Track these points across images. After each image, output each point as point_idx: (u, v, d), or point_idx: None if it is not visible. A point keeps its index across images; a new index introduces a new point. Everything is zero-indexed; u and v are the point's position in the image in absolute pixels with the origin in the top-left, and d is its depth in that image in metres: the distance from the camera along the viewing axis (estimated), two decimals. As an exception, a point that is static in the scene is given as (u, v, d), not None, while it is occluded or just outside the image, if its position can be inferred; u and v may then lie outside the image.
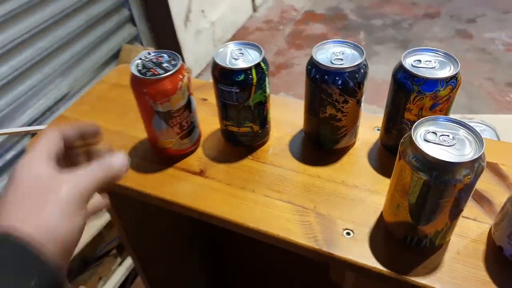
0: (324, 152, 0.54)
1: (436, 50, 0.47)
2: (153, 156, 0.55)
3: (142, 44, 1.94)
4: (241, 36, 2.88)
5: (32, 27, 1.39)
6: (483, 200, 0.47)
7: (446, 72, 0.44)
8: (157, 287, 0.83)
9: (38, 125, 1.48)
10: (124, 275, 1.38)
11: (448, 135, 0.37)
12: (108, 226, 1.33)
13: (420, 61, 0.46)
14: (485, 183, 0.49)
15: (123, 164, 0.38)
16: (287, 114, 0.60)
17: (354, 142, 0.55)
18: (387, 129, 0.51)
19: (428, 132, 0.38)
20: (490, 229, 0.43)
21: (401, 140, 0.38)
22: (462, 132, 0.37)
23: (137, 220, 0.70)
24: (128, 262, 1.39)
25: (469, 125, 0.37)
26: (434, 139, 0.37)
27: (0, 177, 1.42)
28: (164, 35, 2.08)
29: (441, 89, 0.44)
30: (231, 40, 2.80)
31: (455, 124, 0.38)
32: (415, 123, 0.38)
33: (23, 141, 1.46)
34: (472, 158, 0.34)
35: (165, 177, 0.53)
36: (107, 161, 0.36)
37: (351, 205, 0.48)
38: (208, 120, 0.60)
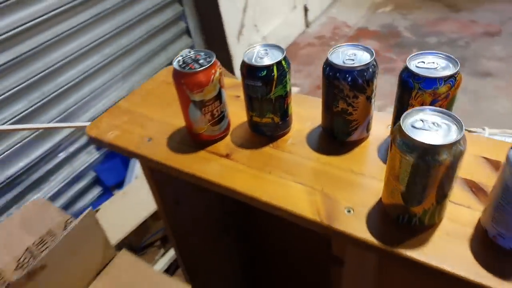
0: (338, 144, 0.60)
1: (439, 53, 0.52)
2: (188, 141, 0.65)
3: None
4: (292, 50, 2.97)
5: (100, 36, 1.57)
6: (480, 191, 0.50)
7: (445, 72, 0.49)
8: (194, 275, 0.91)
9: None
10: (166, 265, 1.48)
11: (434, 123, 0.42)
12: (154, 217, 1.45)
13: (424, 62, 0.51)
14: (484, 177, 0.52)
15: None
16: (309, 111, 0.67)
17: (367, 137, 0.61)
18: (394, 124, 0.56)
19: (417, 120, 0.43)
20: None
21: (393, 128, 0.44)
22: (447, 121, 0.42)
23: (175, 201, 0.80)
24: (171, 253, 1.50)
25: (453, 115, 0.42)
26: (421, 126, 0.42)
27: (62, 167, 1.61)
28: (217, 47, 2.23)
29: (440, 86, 0.48)
30: (282, 54, 2.90)
31: (442, 114, 0.43)
32: (405, 112, 0.43)
33: (84, 136, 1.64)
34: (451, 142, 0.39)
35: (198, 158, 0.62)
36: None
37: (355, 188, 0.53)
38: (239, 113, 0.68)
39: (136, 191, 1.46)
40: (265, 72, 0.55)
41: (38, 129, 1.45)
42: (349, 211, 0.50)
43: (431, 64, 0.51)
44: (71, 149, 1.61)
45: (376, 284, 0.61)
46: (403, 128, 0.41)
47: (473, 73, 2.47)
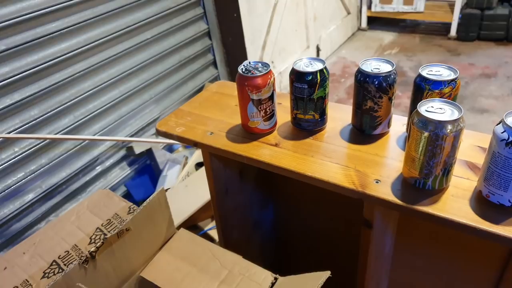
0: (365, 136, 0.76)
1: (443, 65, 0.69)
2: (243, 133, 0.81)
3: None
4: (303, 86, 3.19)
5: (139, 62, 1.78)
6: (475, 168, 0.66)
7: (448, 77, 0.66)
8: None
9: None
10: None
11: (441, 108, 0.58)
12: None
13: (432, 70, 0.68)
14: (479, 159, 0.67)
15: None
16: (341, 114, 0.83)
17: (388, 132, 0.77)
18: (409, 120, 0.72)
19: (429, 107, 0.59)
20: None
21: (412, 113, 0.60)
22: (450, 107, 0.58)
23: (225, 191, 0.94)
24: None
25: (455, 103, 0.58)
26: (432, 110, 0.58)
27: (98, 180, 1.76)
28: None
29: (444, 87, 0.65)
30: (294, 88, 3.11)
31: (446, 103, 0.59)
32: (419, 103, 0.59)
33: (119, 152, 1.81)
34: (454, 119, 0.55)
35: (252, 146, 0.78)
36: None
37: (381, 166, 0.69)
38: (282, 115, 0.84)
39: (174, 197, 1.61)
40: (311, 76, 0.72)
41: (85, 139, 1.61)
42: (377, 182, 0.66)
43: (437, 72, 0.68)
44: (107, 163, 1.76)
45: (396, 243, 0.75)
46: (420, 111, 0.58)
47: (472, 109, 2.66)
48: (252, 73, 0.74)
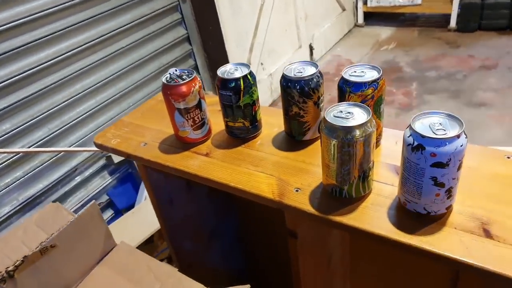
0: (296, 143, 0.73)
1: (368, 65, 0.65)
2: (177, 144, 0.78)
3: (204, 89, 2.28)
4: (298, 86, 3.15)
5: (115, 71, 1.78)
6: (402, 173, 0.62)
7: (370, 77, 0.62)
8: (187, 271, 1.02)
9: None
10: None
11: (350, 112, 0.55)
12: (159, 235, 1.56)
13: (355, 72, 0.65)
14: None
15: None
16: (277, 120, 0.80)
17: (319, 136, 0.73)
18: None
19: (338, 112, 0.56)
20: (400, 190, 0.58)
21: (320, 120, 0.57)
22: (360, 110, 0.55)
23: (169, 201, 0.92)
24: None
25: (364, 106, 0.55)
26: (340, 115, 0.55)
27: (78, 190, 1.76)
28: (225, 83, 2.41)
29: (365, 89, 0.61)
30: (287, 89, 3.07)
31: (355, 107, 0.56)
32: (329, 108, 0.56)
33: (99, 162, 1.80)
34: (360, 123, 0.52)
35: (182, 157, 0.75)
36: None
37: (305, 174, 0.65)
38: (220, 123, 0.81)
39: (144, 211, 1.59)
40: (234, 83, 0.70)
41: (59, 151, 1.61)
42: (297, 190, 0.62)
43: (361, 72, 0.64)
44: (87, 173, 1.76)
45: (326, 252, 0.72)
46: (326, 118, 0.54)
47: (468, 104, 2.58)
48: (176, 82, 0.72)
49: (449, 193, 0.52)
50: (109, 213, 1.84)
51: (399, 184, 0.56)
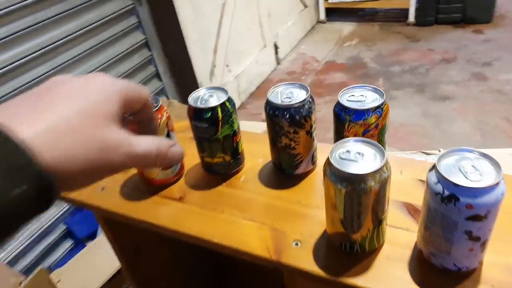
0: (286, 177, 0.62)
1: (367, 86, 0.55)
2: (142, 186, 0.66)
3: (167, 98, 2.13)
4: (265, 87, 3.05)
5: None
6: (416, 213, 0.53)
7: (373, 103, 0.53)
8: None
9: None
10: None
11: (359, 153, 0.45)
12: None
13: (354, 96, 0.55)
14: (421, 199, 0.54)
15: (176, 152, 0.34)
16: (261, 147, 0.69)
17: (313, 169, 0.63)
18: (336, 155, 0.59)
19: (344, 152, 0.45)
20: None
21: (324, 162, 0.46)
22: (371, 149, 0.45)
23: (135, 250, 0.79)
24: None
25: (375, 143, 0.45)
26: (348, 157, 0.45)
27: (29, 223, 1.57)
28: (189, 89, 2.27)
29: (369, 117, 0.52)
30: (254, 92, 2.98)
31: (365, 143, 0.46)
32: (333, 146, 0.46)
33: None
34: (375, 169, 0.42)
35: (151, 204, 0.62)
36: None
37: (302, 220, 0.55)
38: (194, 154, 0.69)
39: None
40: (209, 113, 0.58)
41: None
42: (296, 244, 0.52)
43: (360, 96, 0.54)
44: (40, 201, 1.58)
45: None
46: (331, 161, 0.44)
47: (434, 97, 2.58)
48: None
49: (484, 246, 0.43)
50: (68, 244, 1.66)
51: (419, 233, 0.47)
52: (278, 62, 3.35)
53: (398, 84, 2.80)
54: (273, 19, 3.13)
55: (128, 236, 0.76)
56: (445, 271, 0.45)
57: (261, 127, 2.39)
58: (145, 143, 0.32)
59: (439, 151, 1.21)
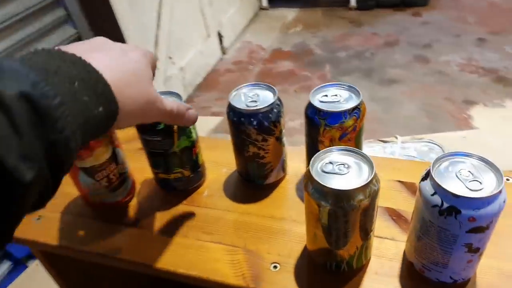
0: (256, 188, 0.56)
1: (341, 84, 0.50)
2: (87, 212, 0.56)
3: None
4: (212, 78, 2.95)
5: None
6: (400, 219, 0.49)
7: (349, 104, 0.47)
8: None
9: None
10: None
11: (343, 164, 0.39)
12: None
13: (327, 95, 0.49)
14: (402, 202, 0.51)
15: (193, 114, 0.43)
16: (223, 155, 0.62)
17: (284, 176, 0.57)
18: (308, 162, 0.53)
19: (326, 164, 0.40)
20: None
21: (304, 174, 0.40)
22: (356, 159, 0.40)
23: (83, 285, 0.70)
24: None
25: (361, 152, 0.40)
26: (331, 170, 0.39)
27: None
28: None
29: (346, 120, 0.46)
30: (201, 84, 2.87)
31: (348, 152, 0.40)
32: (312, 158, 0.40)
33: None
34: (364, 184, 0.37)
35: (99, 232, 0.53)
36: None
37: (279, 238, 0.49)
38: (146, 168, 0.61)
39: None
40: (162, 125, 0.50)
41: None
42: (275, 267, 0.46)
43: (334, 97, 0.49)
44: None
45: None
46: (313, 175, 0.38)
47: (381, 82, 2.63)
48: (76, 131, 0.49)
49: (481, 255, 0.40)
50: (6, 266, 1.48)
51: (409, 243, 0.43)
52: (224, 51, 3.25)
53: (345, 70, 2.82)
54: (215, 7, 3.02)
55: (75, 270, 0.66)
56: (441, 284, 0.41)
57: (213, 121, 2.30)
58: (169, 103, 0.40)
59: (396, 137, 1.20)
